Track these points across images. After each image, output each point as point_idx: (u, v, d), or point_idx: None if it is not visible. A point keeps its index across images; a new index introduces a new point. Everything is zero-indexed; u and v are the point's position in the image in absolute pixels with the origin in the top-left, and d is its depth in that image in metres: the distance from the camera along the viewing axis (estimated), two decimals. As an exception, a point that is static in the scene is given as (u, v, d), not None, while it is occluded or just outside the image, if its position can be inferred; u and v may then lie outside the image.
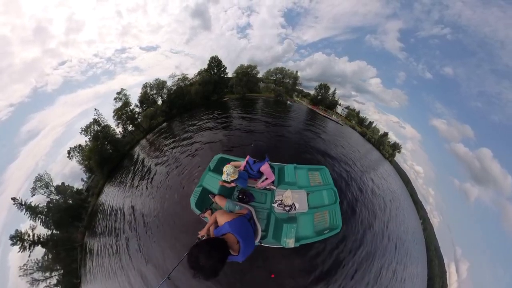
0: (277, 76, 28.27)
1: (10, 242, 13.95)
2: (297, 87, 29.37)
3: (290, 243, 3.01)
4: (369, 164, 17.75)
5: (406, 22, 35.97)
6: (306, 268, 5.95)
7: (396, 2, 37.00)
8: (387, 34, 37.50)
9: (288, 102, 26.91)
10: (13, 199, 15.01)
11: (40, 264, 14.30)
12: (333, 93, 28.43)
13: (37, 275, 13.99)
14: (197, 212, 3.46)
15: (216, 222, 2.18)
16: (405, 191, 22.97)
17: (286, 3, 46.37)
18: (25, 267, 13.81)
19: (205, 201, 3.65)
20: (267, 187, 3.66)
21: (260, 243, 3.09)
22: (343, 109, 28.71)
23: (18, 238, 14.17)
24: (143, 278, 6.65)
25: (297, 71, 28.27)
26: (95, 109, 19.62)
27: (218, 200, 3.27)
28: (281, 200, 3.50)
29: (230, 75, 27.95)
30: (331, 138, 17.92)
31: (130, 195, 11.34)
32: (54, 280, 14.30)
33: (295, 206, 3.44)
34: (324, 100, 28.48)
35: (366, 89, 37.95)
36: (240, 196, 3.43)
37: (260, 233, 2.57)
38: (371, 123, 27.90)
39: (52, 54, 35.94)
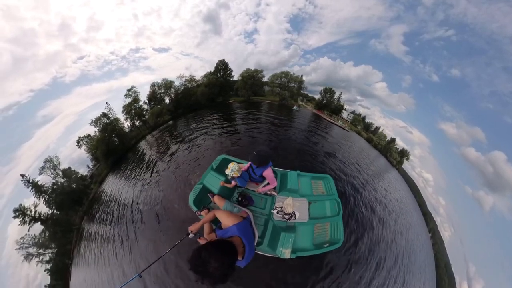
0: (282, 80, 28.71)
1: (12, 214, 15.04)
2: (302, 92, 29.49)
3: (286, 253, 2.85)
4: (375, 173, 16.82)
5: (410, 24, 35.44)
6: (301, 284, 5.40)
7: (400, 4, 36.85)
8: (391, 38, 37.14)
9: (295, 107, 26.80)
10: (22, 175, 16.22)
11: (36, 240, 15.06)
12: (339, 98, 27.99)
13: (32, 250, 14.72)
14: (194, 209, 3.46)
15: (210, 222, 2.14)
16: (413, 201, 21.20)
17: (292, 9, 48.17)
18: (22, 241, 14.65)
19: (204, 200, 3.64)
20: (268, 192, 3.60)
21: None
22: (348, 114, 28.02)
23: (20, 212, 15.15)
24: (137, 269, 6.59)
25: (302, 75, 28.57)
26: (106, 103, 21.30)
27: (217, 200, 3.23)
28: (282, 207, 3.39)
29: (236, 78, 28.93)
30: (337, 145, 17.36)
31: (131, 187, 11.70)
32: (46, 257, 14.89)
33: (295, 215, 3.31)
34: (329, 104, 28.07)
35: (371, 94, 37.17)
36: (240, 199, 3.40)
37: (256, 239, 2.41)
38: (377, 128, 26.70)
39: (73, 49, 39.73)
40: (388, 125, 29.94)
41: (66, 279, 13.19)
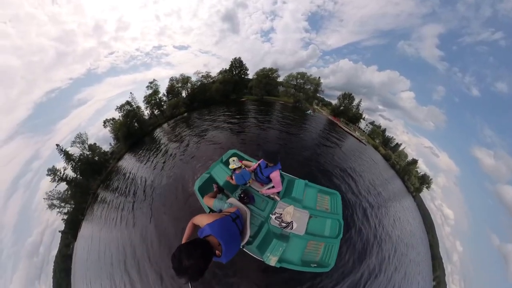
0: (298, 81, 27.25)
1: (46, 172, 19.79)
2: (318, 95, 27.34)
3: (273, 260, 2.80)
4: (386, 197, 14.53)
5: (447, 23, 26.83)
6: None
7: (435, -2, 27.96)
8: (424, 40, 29.23)
9: (309, 111, 25.10)
10: (57, 145, 20.69)
11: (60, 195, 19.42)
12: (358, 105, 24.73)
13: (56, 202, 19.13)
14: (198, 195, 3.60)
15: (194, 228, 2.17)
16: (424, 238, 17.37)
17: (310, 6, 44.09)
18: (49, 193, 19.18)
19: (208, 189, 3.75)
20: (271, 196, 3.54)
21: (243, 247, 2.90)
22: (367, 125, 24.51)
23: (52, 172, 19.66)
24: (137, 236, 7.35)
25: (319, 77, 26.38)
26: (131, 92, 24.84)
27: (206, 200, 3.21)
28: (281, 214, 3.30)
29: (251, 77, 28.98)
30: (350, 158, 15.75)
31: (143, 167, 12.74)
32: (65, 210, 19.09)
33: (292, 225, 3.22)
34: (346, 111, 25.18)
35: (396, 104, 30.96)
36: (242, 196, 3.33)
37: (247, 237, 2.40)
38: (398, 145, 22.40)
39: (105, 46, 49.56)
40: (411, 143, 25.02)
41: (76, 229, 16.59)
